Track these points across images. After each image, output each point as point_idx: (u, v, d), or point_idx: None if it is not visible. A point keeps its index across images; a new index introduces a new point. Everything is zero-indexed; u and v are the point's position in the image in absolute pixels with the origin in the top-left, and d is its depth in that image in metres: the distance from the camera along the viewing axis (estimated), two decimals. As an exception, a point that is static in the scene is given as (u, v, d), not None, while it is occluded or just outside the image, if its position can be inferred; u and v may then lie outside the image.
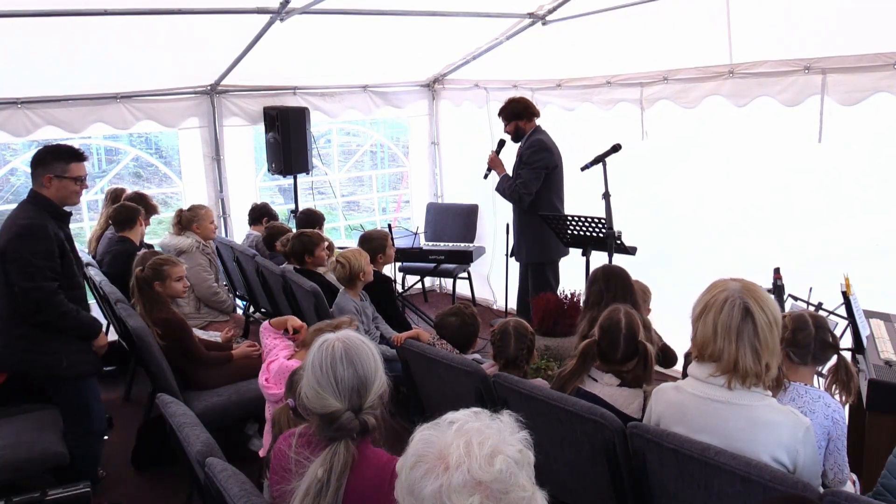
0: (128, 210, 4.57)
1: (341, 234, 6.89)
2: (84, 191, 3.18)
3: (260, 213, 5.54)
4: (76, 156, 3.07)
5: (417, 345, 3.16)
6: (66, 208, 3.11)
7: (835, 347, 2.45)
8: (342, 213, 7.17)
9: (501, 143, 4.79)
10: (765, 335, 1.90)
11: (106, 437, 3.74)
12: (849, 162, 3.84)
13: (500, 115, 4.75)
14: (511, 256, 5.15)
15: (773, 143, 4.15)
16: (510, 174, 4.72)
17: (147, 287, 3.58)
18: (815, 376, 2.54)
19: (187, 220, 4.80)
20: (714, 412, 1.98)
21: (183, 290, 3.76)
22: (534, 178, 4.56)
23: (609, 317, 2.55)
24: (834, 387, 2.45)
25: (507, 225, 5.11)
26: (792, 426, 1.92)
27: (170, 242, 4.74)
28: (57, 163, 3.02)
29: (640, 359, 2.51)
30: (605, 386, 2.53)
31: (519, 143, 4.74)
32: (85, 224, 5.69)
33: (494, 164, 4.71)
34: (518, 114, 4.68)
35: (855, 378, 2.48)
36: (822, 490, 1.81)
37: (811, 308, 3.15)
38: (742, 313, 1.91)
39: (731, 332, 1.91)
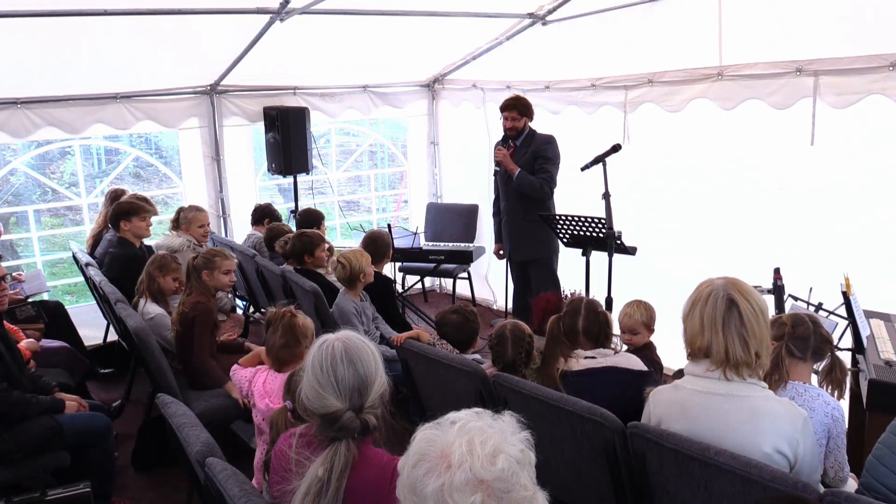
0: (123, 205, 4.48)
1: (337, 234, 6.88)
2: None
3: (263, 214, 5.54)
4: None
5: (417, 345, 3.16)
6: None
7: (831, 343, 2.48)
8: (341, 212, 7.15)
9: (506, 139, 4.82)
10: (751, 324, 1.94)
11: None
12: (845, 163, 3.82)
13: (514, 108, 4.73)
14: (504, 258, 5.12)
15: (765, 145, 4.13)
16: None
17: (196, 274, 3.67)
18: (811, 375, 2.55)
19: (181, 220, 4.79)
20: (715, 405, 2.00)
21: (228, 284, 3.81)
22: (556, 172, 4.70)
23: (570, 300, 2.95)
24: (828, 386, 2.46)
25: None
26: (791, 417, 1.95)
27: (163, 242, 4.71)
28: None
29: (601, 324, 2.79)
30: (605, 357, 2.68)
31: (511, 140, 4.77)
32: (86, 227, 5.68)
33: (507, 160, 4.71)
34: (529, 112, 4.78)
35: (848, 376, 2.49)
36: (822, 489, 1.81)
37: (811, 308, 3.16)
38: (726, 304, 1.95)
39: (717, 323, 1.96)
